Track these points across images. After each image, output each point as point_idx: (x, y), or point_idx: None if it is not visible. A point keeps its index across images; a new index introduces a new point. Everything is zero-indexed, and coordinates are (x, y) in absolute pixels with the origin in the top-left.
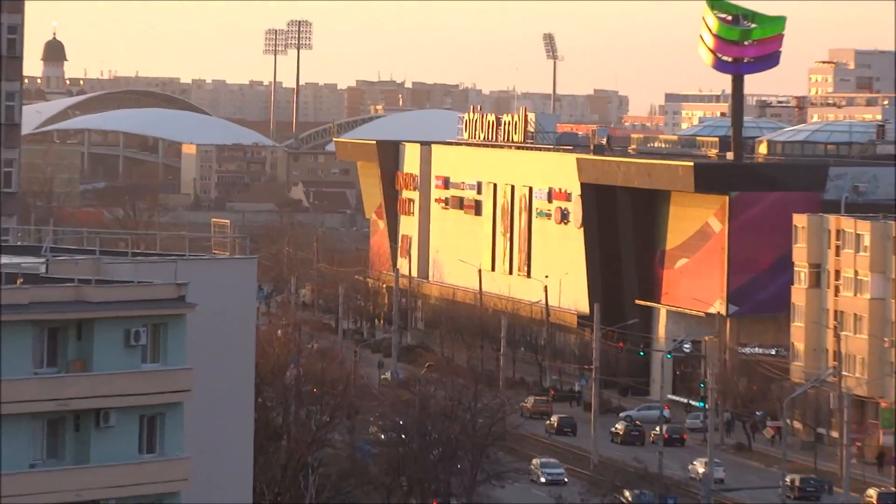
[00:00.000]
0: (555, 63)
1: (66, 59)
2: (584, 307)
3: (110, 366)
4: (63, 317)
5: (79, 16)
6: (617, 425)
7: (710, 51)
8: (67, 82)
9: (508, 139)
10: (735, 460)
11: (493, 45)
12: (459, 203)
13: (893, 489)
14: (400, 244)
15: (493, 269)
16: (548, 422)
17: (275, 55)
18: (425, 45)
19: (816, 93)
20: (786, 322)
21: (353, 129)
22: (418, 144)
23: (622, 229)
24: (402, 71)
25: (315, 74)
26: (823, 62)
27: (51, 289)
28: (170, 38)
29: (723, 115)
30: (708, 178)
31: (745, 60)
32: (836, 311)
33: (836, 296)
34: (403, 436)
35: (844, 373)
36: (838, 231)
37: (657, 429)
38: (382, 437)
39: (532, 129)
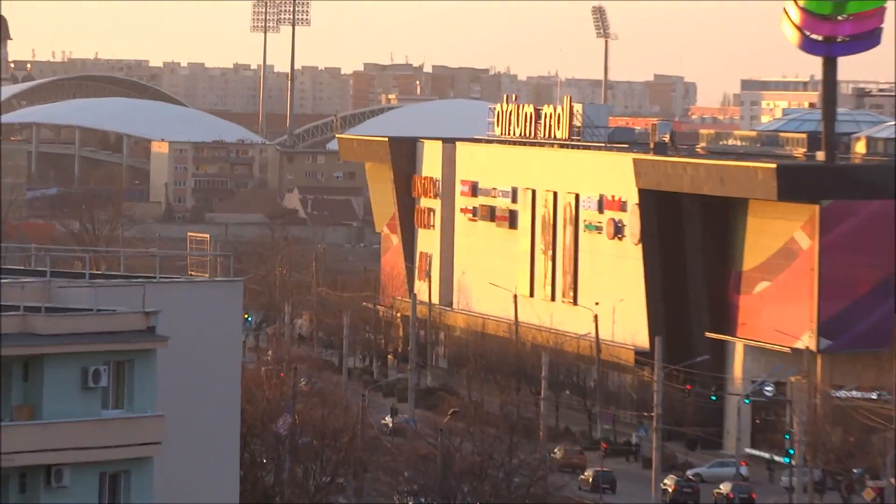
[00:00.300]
0: (606, 42)
1: (9, 38)
2: (643, 341)
3: (64, 413)
4: (6, 353)
5: None
6: (666, 480)
7: (796, 27)
8: (11, 66)
9: (550, 135)
10: None
11: (532, 21)
12: (490, 214)
13: None
14: (418, 264)
15: (531, 294)
16: (582, 476)
17: (264, 32)
18: (448, 21)
19: None
20: (889, 360)
21: (360, 123)
22: (440, 142)
23: (689, 246)
24: (419, 52)
25: (314, 56)
26: None
27: None
28: (136, 11)
29: (811, 105)
30: (794, 184)
31: (839, 39)
32: None
33: None
34: (423, 499)
35: None
36: None
37: (720, 486)
38: (397, 500)
39: (578, 124)
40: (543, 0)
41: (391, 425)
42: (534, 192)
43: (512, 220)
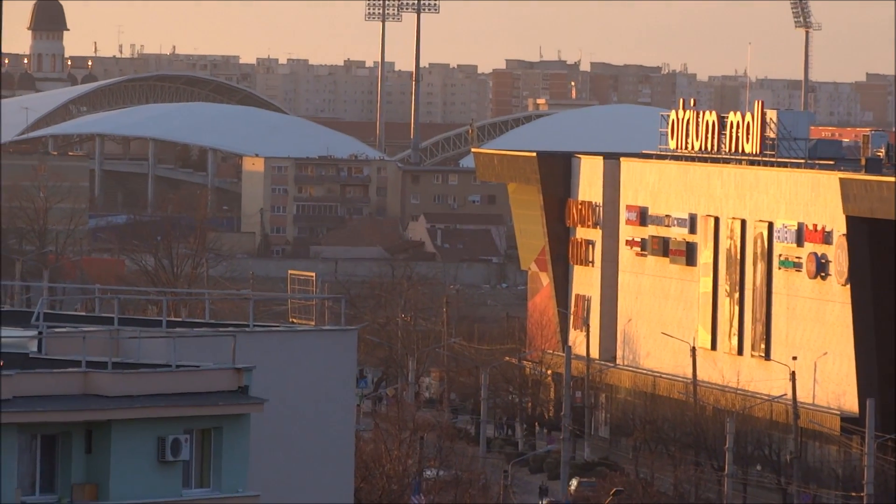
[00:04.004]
0: (807, 35)
1: (66, 29)
2: (852, 404)
3: (136, 493)
4: (65, 418)
5: None
6: None
7: None
8: (69, 63)
9: (737, 149)
10: None
11: (714, 8)
12: (662, 247)
13: None
14: (573, 309)
15: (713, 346)
16: None
17: (382, 23)
18: (610, 8)
19: None
20: None
21: (501, 134)
22: (600, 158)
23: None
24: (574, 46)
25: (444, 51)
26: None
27: (46, 376)
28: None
29: None
30: None
31: None
32: None
33: None
34: None
35: None
36: None
37: None
38: None
39: (773, 135)
40: None
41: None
42: (717, 220)
43: (689, 254)
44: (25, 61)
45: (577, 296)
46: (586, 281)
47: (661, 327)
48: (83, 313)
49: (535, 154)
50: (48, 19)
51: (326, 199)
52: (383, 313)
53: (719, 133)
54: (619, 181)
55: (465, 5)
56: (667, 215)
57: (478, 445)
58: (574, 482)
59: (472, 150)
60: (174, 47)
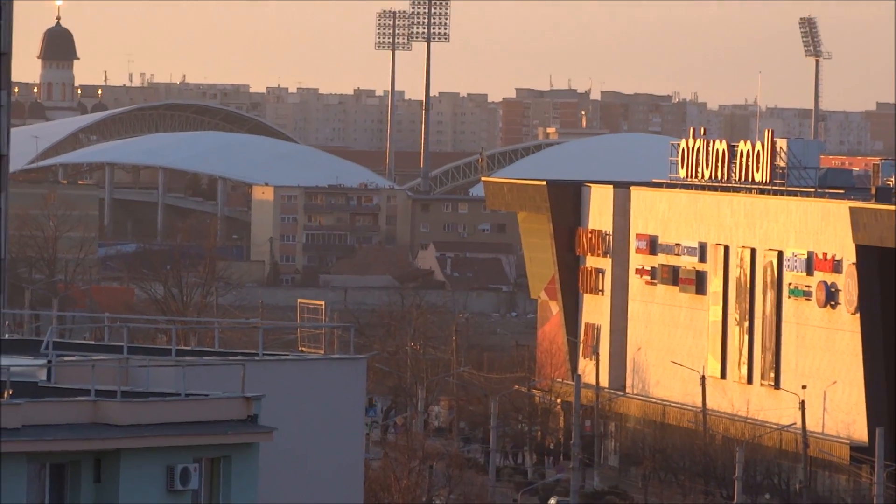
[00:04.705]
0: (817, 64)
1: (76, 58)
2: (862, 433)
3: None
4: (74, 447)
5: None
6: None
7: None
8: (79, 92)
9: (747, 178)
10: None
11: (724, 37)
12: (672, 276)
13: None
14: (583, 338)
15: (722, 375)
16: None
17: (392, 52)
18: (620, 36)
19: None
20: None
21: (511, 162)
22: (610, 187)
23: None
24: (585, 75)
25: (454, 80)
26: None
27: (55, 405)
28: (232, 26)
29: None
30: None
31: None
32: None
33: None
34: None
35: None
36: None
37: None
38: None
39: (783, 164)
40: (739, 10)
41: None
42: (726, 248)
43: (699, 283)
44: (35, 90)
45: (586, 324)
46: (596, 309)
47: (671, 356)
48: (92, 342)
49: (545, 183)
50: (58, 48)
51: (336, 228)
52: (393, 342)
53: (729, 162)
54: (630, 210)
55: (475, 34)
56: (677, 244)
57: (487, 474)
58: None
59: (482, 178)
60: (184, 76)
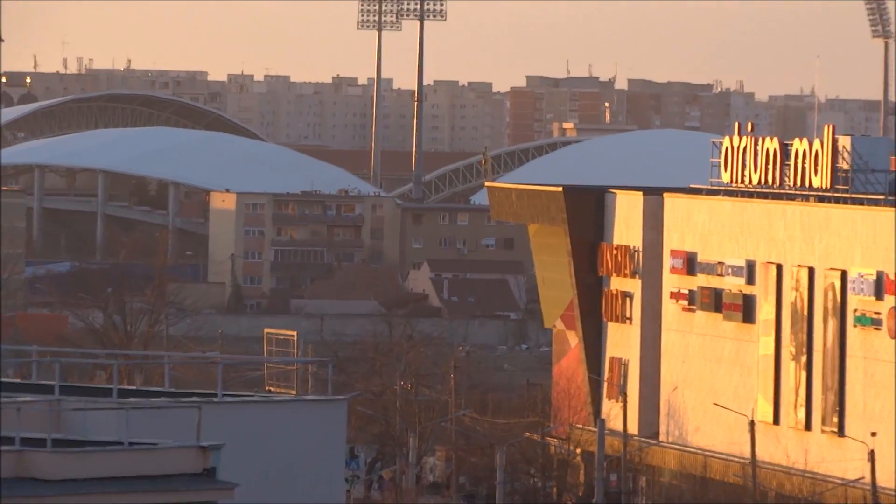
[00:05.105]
0: (886, 46)
1: (0, 39)
2: None
3: None
4: None
5: None
6: None
7: None
8: (3, 80)
9: (803, 183)
10: None
11: (774, 14)
12: (714, 300)
13: None
14: (607, 375)
15: (775, 420)
16: None
17: (378, 32)
18: (650, 14)
19: None
20: None
21: (520, 164)
22: (640, 194)
23: None
24: (609, 60)
25: (452, 67)
26: None
27: None
28: (187, 1)
29: None
30: None
31: None
32: None
33: None
34: None
35: None
36: None
37: None
38: None
39: (846, 166)
40: None
41: None
42: (779, 268)
43: (747, 309)
44: None
45: (611, 359)
46: (623, 341)
47: (713, 397)
48: (18, 380)
49: (561, 189)
50: None
51: (311, 243)
52: (379, 380)
53: (782, 164)
54: (663, 221)
55: (477, 11)
56: (719, 262)
57: None
58: None
59: (486, 183)
60: (129, 61)
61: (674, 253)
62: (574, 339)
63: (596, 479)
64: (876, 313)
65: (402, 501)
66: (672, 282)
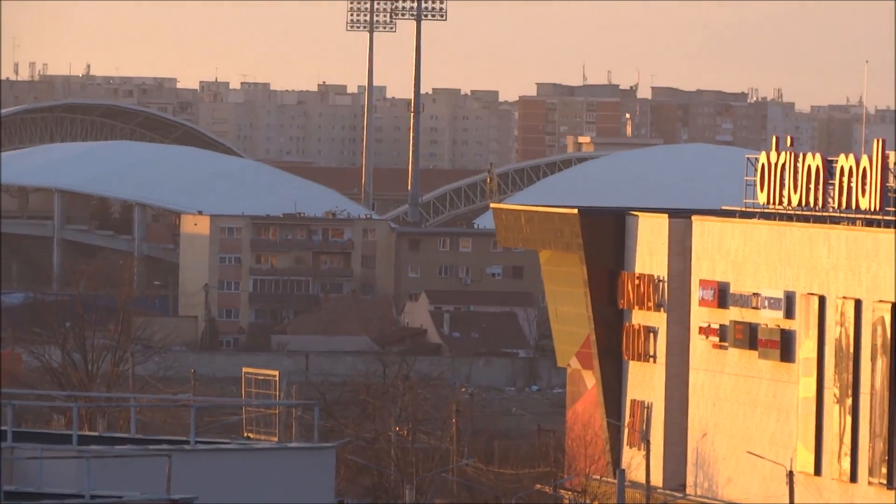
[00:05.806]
0: None
1: None
2: None
3: None
4: None
5: None
6: None
7: None
8: None
9: (849, 205)
10: None
11: (816, 16)
12: (749, 337)
13: None
14: (628, 420)
15: (817, 471)
16: None
17: (370, 33)
18: (677, 15)
19: None
20: None
21: (530, 183)
22: (665, 216)
23: None
24: (630, 66)
25: (453, 73)
26: None
27: None
28: (154, 1)
29: None
30: None
31: None
32: None
33: None
34: None
35: None
36: None
37: None
38: None
39: None
40: None
41: None
42: (822, 299)
43: (785, 347)
44: None
45: (632, 402)
46: (646, 382)
47: (748, 445)
48: None
49: (576, 211)
50: None
51: (294, 272)
52: (371, 425)
53: (825, 183)
54: (691, 248)
55: (481, 9)
56: (754, 294)
57: None
58: None
59: (491, 205)
60: (88, 66)
61: (703, 283)
62: (591, 380)
63: None
64: None
65: None
66: (701, 315)
